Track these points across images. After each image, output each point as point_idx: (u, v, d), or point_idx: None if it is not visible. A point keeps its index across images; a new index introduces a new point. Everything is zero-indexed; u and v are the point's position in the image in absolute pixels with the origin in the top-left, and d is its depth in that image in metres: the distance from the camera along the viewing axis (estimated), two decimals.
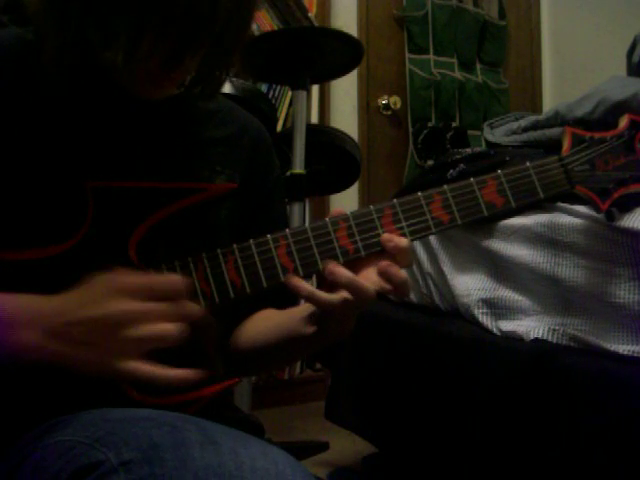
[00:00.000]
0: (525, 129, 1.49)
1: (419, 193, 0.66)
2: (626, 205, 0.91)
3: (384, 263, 0.61)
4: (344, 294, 0.60)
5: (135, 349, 0.54)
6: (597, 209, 0.78)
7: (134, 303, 0.54)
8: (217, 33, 0.60)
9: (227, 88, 1.56)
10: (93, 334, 0.53)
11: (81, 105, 0.65)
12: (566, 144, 0.76)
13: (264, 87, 2.27)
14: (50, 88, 0.63)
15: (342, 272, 0.60)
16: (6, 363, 0.53)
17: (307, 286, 0.60)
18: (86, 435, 0.51)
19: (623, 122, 0.79)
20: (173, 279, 0.57)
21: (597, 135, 0.77)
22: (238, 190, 0.75)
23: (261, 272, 0.62)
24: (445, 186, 0.67)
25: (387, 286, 0.61)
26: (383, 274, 0.61)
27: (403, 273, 0.61)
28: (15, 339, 0.52)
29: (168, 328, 0.54)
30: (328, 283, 0.61)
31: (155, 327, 0.54)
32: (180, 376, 0.54)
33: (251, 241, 0.62)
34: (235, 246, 0.62)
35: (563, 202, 1.06)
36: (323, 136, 1.83)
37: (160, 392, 0.59)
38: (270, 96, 2.31)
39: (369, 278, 0.61)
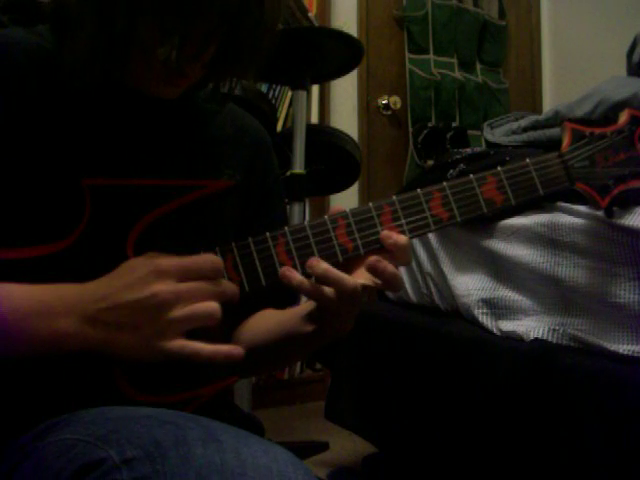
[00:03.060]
0: (525, 129, 1.49)
1: (418, 190, 0.66)
2: (626, 201, 0.90)
3: (372, 258, 0.61)
4: None
5: (179, 328, 0.55)
6: (597, 206, 0.77)
7: (178, 284, 0.55)
8: (259, 36, 0.62)
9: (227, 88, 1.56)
10: (138, 317, 0.54)
11: (86, 103, 0.65)
12: (566, 140, 0.75)
13: (264, 87, 2.28)
14: (58, 88, 0.63)
15: (318, 264, 0.60)
16: (48, 353, 0.54)
17: (298, 275, 0.61)
18: (87, 433, 0.51)
19: (623, 117, 0.78)
20: (212, 258, 0.59)
21: (597, 131, 0.76)
22: (239, 190, 0.75)
23: (260, 270, 0.62)
24: (444, 183, 0.66)
25: (377, 281, 0.61)
26: (371, 269, 0.61)
27: (392, 267, 0.61)
28: (55, 328, 0.53)
29: (212, 306, 0.56)
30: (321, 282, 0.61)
31: (200, 306, 0.56)
32: (225, 352, 0.56)
33: (250, 239, 0.62)
34: (234, 244, 0.62)
35: (563, 202, 1.06)
36: (323, 136, 1.83)
37: (159, 390, 0.59)
38: (270, 96, 2.31)
39: (363, 274, 0.61)
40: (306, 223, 0.63)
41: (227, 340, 0.79)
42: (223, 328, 0.78)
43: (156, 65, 0.60)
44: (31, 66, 0.64)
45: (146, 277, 0.55)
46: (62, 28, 0.63)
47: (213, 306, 0.56)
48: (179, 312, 0.55)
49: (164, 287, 0.55)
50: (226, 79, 0.70)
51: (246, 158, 0.78)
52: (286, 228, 0.63)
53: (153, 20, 0.57)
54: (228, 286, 0.59)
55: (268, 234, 0.63)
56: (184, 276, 0.56)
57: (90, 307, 0.54)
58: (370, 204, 0.65)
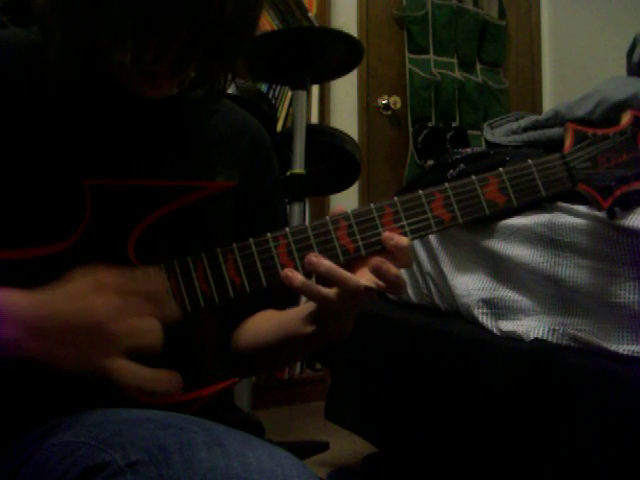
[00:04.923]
0: (525, 129, 1.49)
1: (420, 191, 0.65)
2: (628, 203, 0.90)
3: (376, 259, 0.60)
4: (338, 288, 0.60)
5: (118, 346, 0.53)
6: (599, 207, 0.77)
7: (117, 299, 0.54)
8: (223, 37, 0.60)
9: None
10: (75, 329, 0.53)
11: (81, 103, 0.65)
12: (568, 141, 0.75)
13: (264, 87, 2.27)
14: (51, 86, 0.63)
15: (320, 261, 0.60)
16: None
17: (300, 277, 0.60)
18: (91, 436, 0.50)
19: (626, 118, 0.78)
20: (154, 277, 0.57)
21: (599, 132, 0.76)
22: (238, 190, 0.75)
23: (261, 271, 0.62)
24: (446, 184, 0.66)
25: (381, 283, 0.60)
26: (376, 271, 0.60)
27: (396, 270, 0.60)
28: None
29: (153, 325, 0.54)
30: (323, 281, 0.61)
31: (140, 323, 0.54)
32: (166, 379, 0.54)
33: (251, 240, 0.62)
34: (235, 245, 0.62)
35: (563, 202, 1.06)
36: (323, 136, 1.84)
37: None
38: (270, 96, 2.31)
39: (364, 275, 0.61)
40: (307, 224, 0.63)
41: (226, 341, 0.79)
42: (221, 330, 0.78)
43: (126, 67, 0.59)
44: (26, 65, 0.64)
45: (85, 289, 0.53)
46: (43, 27, 0.63)
47: (154, 325, 0.54)
48: (117, 328, 0.53)
49: (102, 300, 0.53)
50: (214, 75, 0.68)
51: (244, 158, 0.78)
52: (287, 229, 0.63)
53: (107, 23, 0.56)
54: (169, 307, 0.57)
55: (269, 235, 0.62)
56: (124, 292, 0.54)
57: (31, 315, 0.53)
58: (371, 205, 0.64)
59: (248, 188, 0.78)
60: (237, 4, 0.59)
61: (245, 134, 0.80)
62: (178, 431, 0.49)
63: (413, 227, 0.65)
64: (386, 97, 2.76)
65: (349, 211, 0.64)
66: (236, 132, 0.78)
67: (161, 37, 0.57)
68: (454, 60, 2.92)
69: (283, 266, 0.62)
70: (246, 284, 0.62)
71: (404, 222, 0.64)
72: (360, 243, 0.63)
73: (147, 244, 0.61)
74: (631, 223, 0.91)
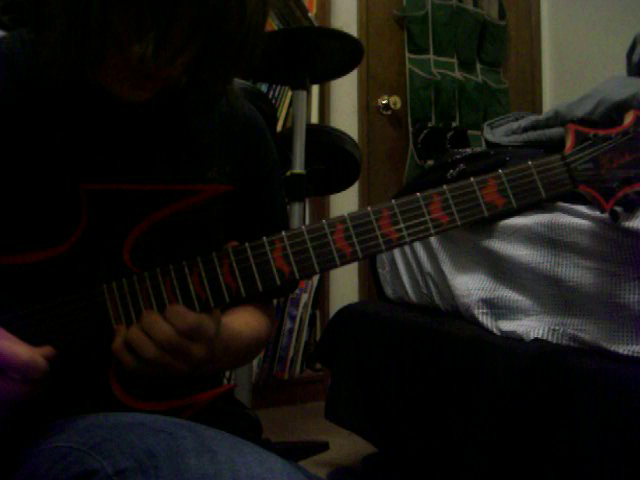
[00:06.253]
0: (525, 129, 1.49)
1: (418, 194, 0.65)
2: (630, 204, 0.89)
3: (133, 331, 0.58)
4: None
5: None
6: (601, 209, 0.75)
7: None
8: (243, 34, 0.60)
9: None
10: None
11: (67, 107, 0.65)
12: (569, 142, 0.74)
13: (264, 87, 2.27)
14: (42, 91, 0.63)
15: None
16: None
17: (118, 340, 0.58)
18: (81, 442, 0.50)
19: (629, 118, 0.76)
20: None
21: (601, 132, 0.74)
22: (232, 178, 0.73)
23: (257, 276, 0.61)
24: (444, 186, 0.66)
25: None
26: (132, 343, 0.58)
27: (154, 351, 0.57)
28: None
29: None
30: None
31: None
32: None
33: (247, 244, 0.62)
34: (230, 249, 0.61)
35: (563, 202, 1.06)
36: (323, 136, 1.83)
37: (154, 397, 0.59)
38: (270, 96, 2.31)
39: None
40: (303, 227, 0.62)
41: None
42: None
43: (130, 65, 0.58)
44: (19, 72, 0.63)
45: None
46: (38, 24, 0.62)
47: None
48: None
49: None
50: (209, 83, 0.67)
51: (236, 146, 0.77)
52: (283, 233, 0.62)
53: (129, 14, 0.55)
54: None
55: (265, 239, 0.62)
56: None
57: None
58: (369, 208, 0.64)
59: (244, 174, 0.76)
60: (256, 7, 0.59)
61: (235, 121, 0.78)
62: (168, 437, 0.49)
63: (411, 230, 0.64)
64: (386, 97, 2.76)
65: (346, 214, 0.63)
66: (225, 120, 0.77)
67: (184, 30, 0.56)
68: (454, 60, 2.92)
69: (279, 270, 0.61)
70: (242, 289, 0.61)
71: (402, 225, 0.64)
72: (357, 247, 0.63)
73: (144, 248, 0.61)
74: (632, 224, 0.91)
